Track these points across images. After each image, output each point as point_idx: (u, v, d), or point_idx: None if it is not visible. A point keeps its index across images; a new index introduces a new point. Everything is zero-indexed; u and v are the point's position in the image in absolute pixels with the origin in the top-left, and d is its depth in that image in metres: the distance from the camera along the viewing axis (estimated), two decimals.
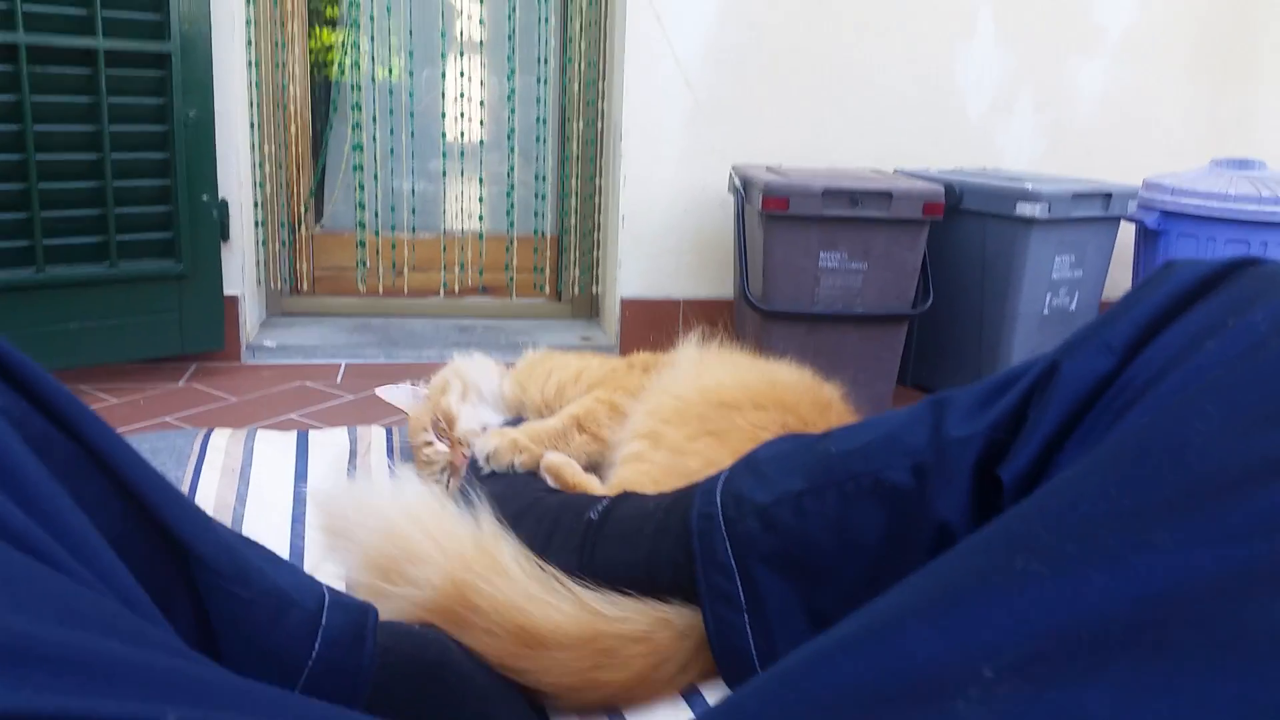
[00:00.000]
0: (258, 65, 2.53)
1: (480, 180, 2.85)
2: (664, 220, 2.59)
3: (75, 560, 0.45)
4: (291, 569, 0.71)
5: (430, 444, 1.19)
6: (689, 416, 1.02)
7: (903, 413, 0.76)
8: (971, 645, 0.39)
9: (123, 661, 0.36)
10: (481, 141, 2.83)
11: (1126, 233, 2.42)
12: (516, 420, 1.21)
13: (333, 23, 2.80)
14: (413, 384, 1.33)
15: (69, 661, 0.35)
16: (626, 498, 0.91)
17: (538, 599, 0.77)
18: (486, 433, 1.10)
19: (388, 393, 1.32)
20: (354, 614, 0.70)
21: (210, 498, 1.11)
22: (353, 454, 1.33)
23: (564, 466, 1.04)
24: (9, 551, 0.40)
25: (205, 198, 2.18)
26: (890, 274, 2.11)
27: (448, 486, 1.17)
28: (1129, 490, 0.42)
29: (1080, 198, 2.17)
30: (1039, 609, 0.39)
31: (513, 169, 2.84)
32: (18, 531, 0.43)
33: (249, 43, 2.49)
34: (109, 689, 0.35)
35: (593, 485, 1.02)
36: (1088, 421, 0.61)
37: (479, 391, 1.25)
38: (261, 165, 2.58)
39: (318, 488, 1.13)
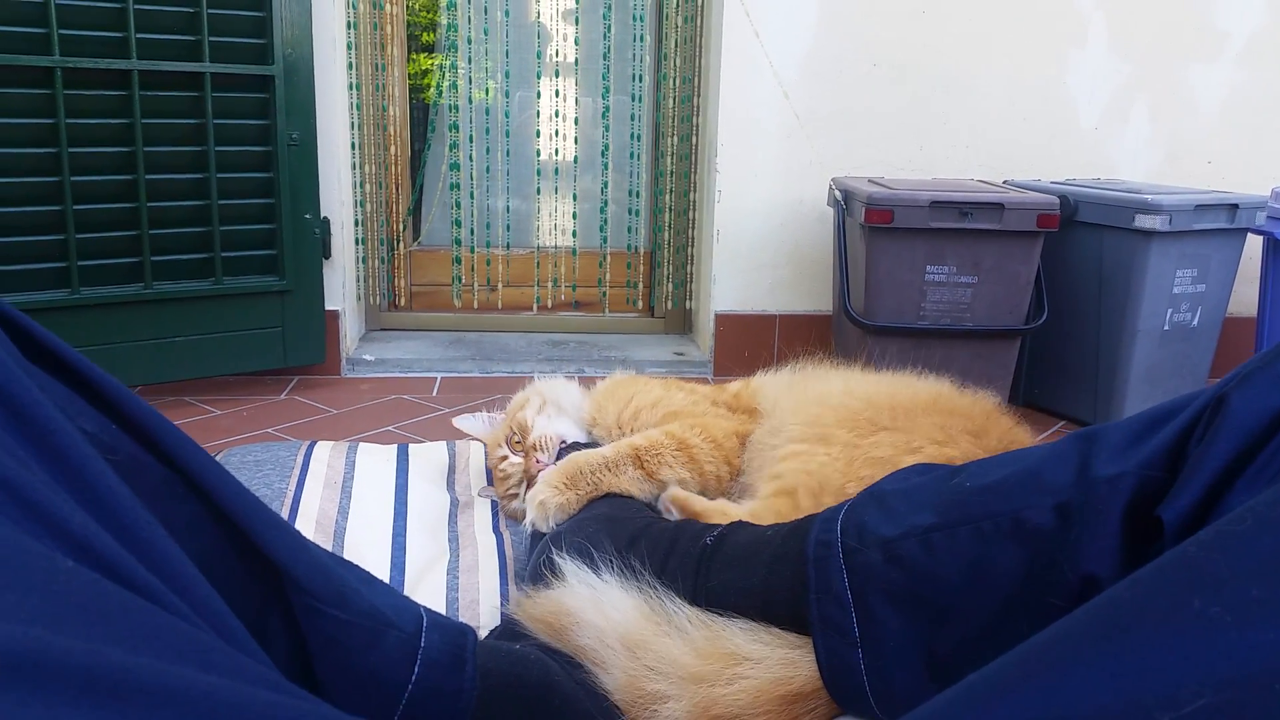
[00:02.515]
0: (359, 88, 2.57)
1: (574, 197, 2.85)
2: (759, 234, 2.54)
3: (170, 591, 0.43)
4: (388, 590, 0.68)
5: (505, 458, 1.16)
6: (857, 420, 0.96)
7: (1045, 448, 0.71)
8: (1144, 695, 0.36)
9: (221, 696, 0.34)
10: (575, 159, 2.83)
11: (1254, 246, 2.29)
12: (593, 443, 1.16)
13: (429, 48, 2.84)
14: (488, 413, 1.31)
15: (167, 695, 0.33)
16: (743, 525, 0.86)
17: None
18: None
19: (464, 423, 1.29)
20: (453, 635, 0.67)
21: (313, 510, 1.10)
22: (451, 468, 1.31)
23: (689, 500, 0.99)
24: (104, 583, 0.38)
25: (308, 216, 2.21)
26: (1002, 288, 2.02)
27: (523, 498, 1.13)
28: None
29: (1204, 209, 2.05)
30: (1221, 658, 0.36)
31: (606, 185, 2.84)
32: (112, 562, 0.41)
33: (350, 66, 2.53)
34: None
35: (726, 511, 0.96)
36: (1260, 459, 0.56)
37: (559, 406, 1.21)
38: (362, 185, 2.62)
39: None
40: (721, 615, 0.77)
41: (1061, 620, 0.42)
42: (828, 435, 0.95)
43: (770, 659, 0.73)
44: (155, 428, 0.55)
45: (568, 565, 0.81)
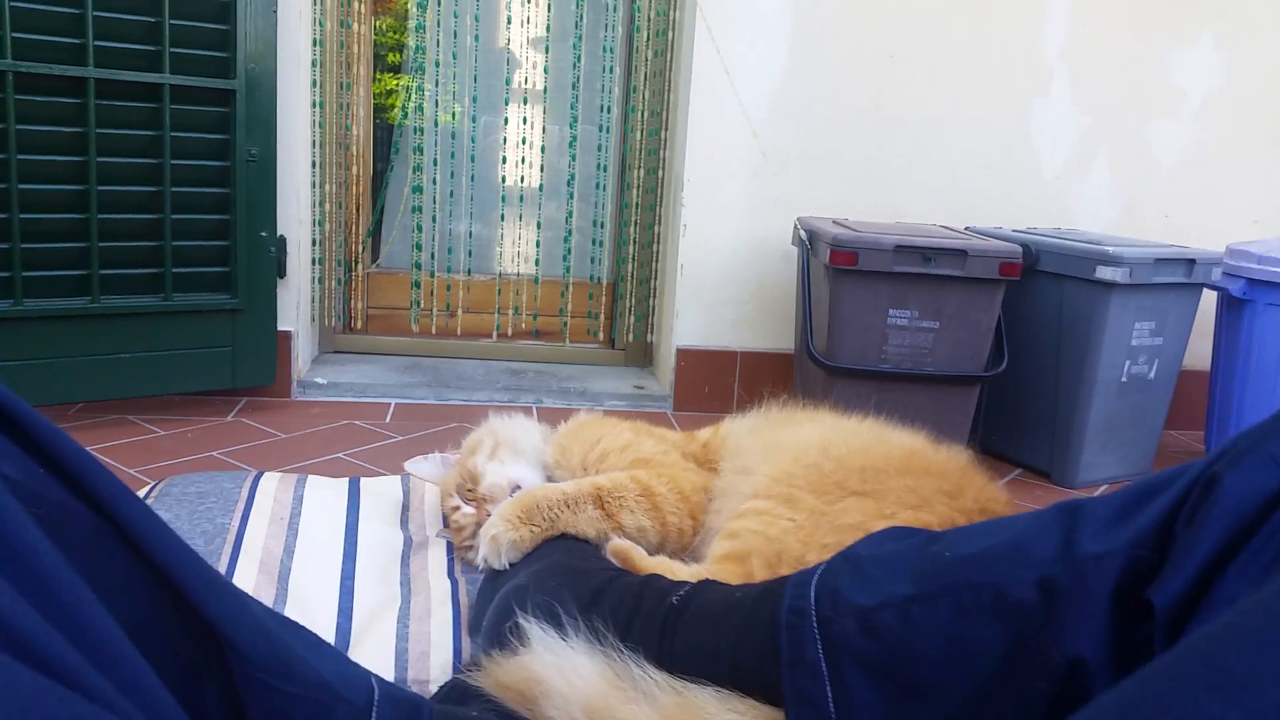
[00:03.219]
0: (322, 106, 2.53)
1: (538, 225, 2.82)
2: (723, 270, 2.53)
3: (93, 667, 0.39)
4: (336, 656, 0.64)
5: (457, 508, 1.12)
6: (826, 484, 0.93)
7: (1027, 518, 0.69)
8: None
9: None
10: (541, 187, 2.81)
11: (1209, 300, 2.32)
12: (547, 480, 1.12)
13: (396, 69, 2.81)
14: (441, 453, 1.26)
15: None
16: (710, 585, 0.83)
17: None
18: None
19: (415, 466, 1.24)
20: (406, 709, 0.63)
21: (258, 548, 1.05)
22: (405, 505, 1.27)
23: (631, 550, 0.96)
24: (13, 669, 0.34)
25: (264, 234, 2.16)
26: (963, 334, 2.03)
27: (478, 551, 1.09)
28: None
29: (1162, 263, 2.08)
30: None
31: (571, 214, 2.81)
32: (27, 640, 0.37)
33: (314, 84, 2.49)
34: None
35: (672, 569, 0.93)
36: (1254, 544, 0.55)
37: (514, 448, 1.16)
38: (322, 204, 2.57)
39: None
40: (692, 681, 0.73)
41: (1079, 712, 0.40)
42: (794, 498, 0.92)
43: None
44: (86, 472, 0.51)
45: (533, 629, 0.78)
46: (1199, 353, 2.45)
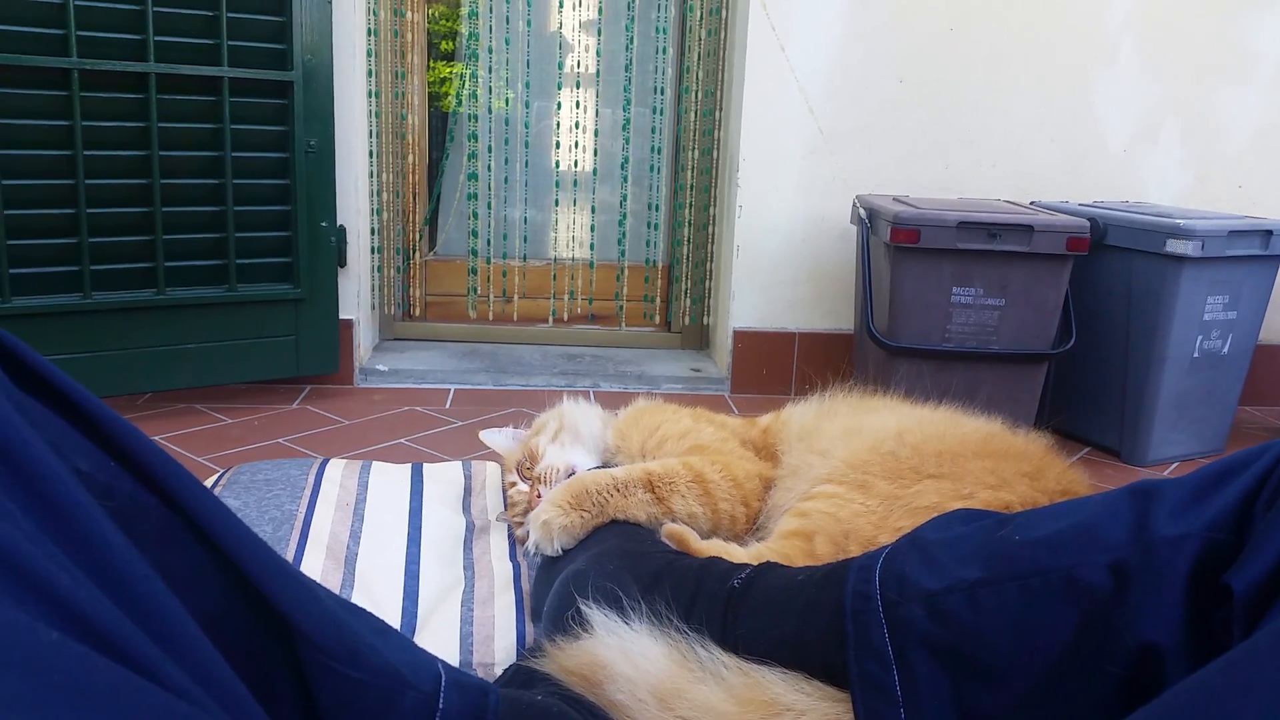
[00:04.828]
0: (378, 95, 2.55)
1: (592, 209, 2.82)
2: (780, 251, 2.50)
3: (167, 657, 0.39)
4: (403, 643, 0.64)
5: (514, 484, 1.12)
6: (902, 469, 0.92)
7: (1097, 500, 0.67)
8: None
9: None
10: (594, 171, 2.80)
11: None
12: (604, 466, 1.12)
13: (449, 57, 2.82)
14: (514, 428, 1.28)
15: None
16: (772, 568, 0.82)
17: None
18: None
19: (489, 436, 1.27)
20: (473, 695, 0.63)
21: (324, 534, 1.07)
22: (467, 490, 1.27)
23: (686, 534, 0.95)
24: (92, 658, 0.34)
25: (324, 224, 2.19)
26: (1030, 311, 1.98)
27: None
28: None
29: (1237, 235, 2.01)
30: None
31: (625, 198, 2.80)
32: (104, 630, 0.37)
33: (370, 73, 2.51)
34: None
35: (729, 551, 0.92)
36: None
37: (576, 434, 1.17)
38: (379, 193, 2.59)
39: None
40: (757, 663, 0.73)
41: (1153, 706, 0.39)
42: (868, 484, 0.91)
43: (813, 711, 0.70)
44: (155, 465, 0.51)
45: (595, 615, 0.77)
46: (1277, 326, 2.38)
